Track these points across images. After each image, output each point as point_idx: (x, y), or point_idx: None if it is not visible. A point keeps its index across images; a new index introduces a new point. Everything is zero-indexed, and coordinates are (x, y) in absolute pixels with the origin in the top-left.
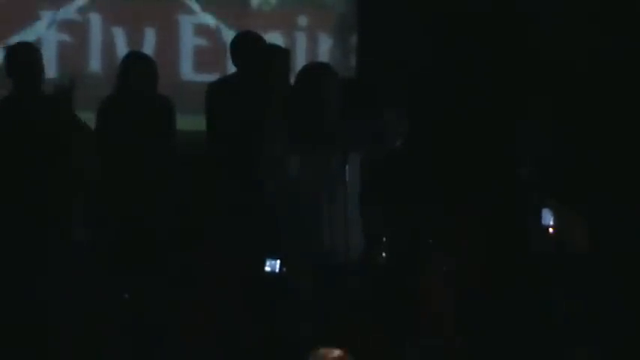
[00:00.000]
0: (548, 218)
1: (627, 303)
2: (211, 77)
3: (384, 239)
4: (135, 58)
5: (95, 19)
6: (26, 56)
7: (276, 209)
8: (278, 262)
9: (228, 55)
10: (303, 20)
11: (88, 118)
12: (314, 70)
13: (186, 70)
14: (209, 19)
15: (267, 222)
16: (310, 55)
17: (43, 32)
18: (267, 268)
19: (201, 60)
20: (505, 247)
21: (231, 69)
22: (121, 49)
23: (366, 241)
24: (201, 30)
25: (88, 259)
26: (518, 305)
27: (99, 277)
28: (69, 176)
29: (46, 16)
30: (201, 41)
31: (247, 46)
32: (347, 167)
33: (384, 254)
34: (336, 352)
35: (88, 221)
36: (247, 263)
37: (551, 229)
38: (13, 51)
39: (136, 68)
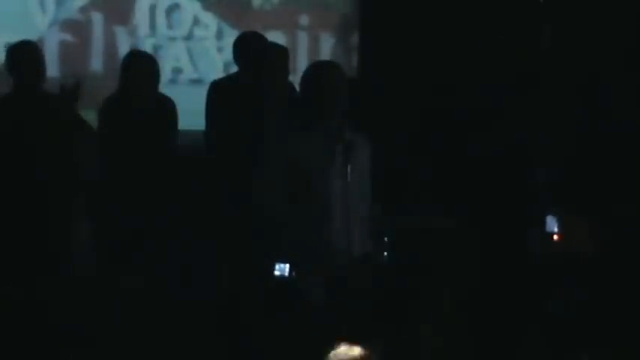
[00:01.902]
0: (553, 223)
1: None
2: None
3: (386, 239)
4: (136, 57)
5: (97, 18)
6: (27, 55)
7: (277, 208)
8: (287, 266)
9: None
10: (304, 19)
11: (90, 117)
12: (320, 68)
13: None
14: (210, 19)
15: (269, 222)
16: (312, 55)
17: (45, 31)
18: (277, 273)
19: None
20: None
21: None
22: (123, 48)
23: (368, 240)
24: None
25: (88, 257)
26: (521, 307)
27: (99, 275)
28: (70, 175)
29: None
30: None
31: (249, 45)
32: (349, 166)
33: (385, 254)
34: (357, 350)
35: (89, 220)
36: (250, 265)
37: (555, 235)
38: (14, 49)
39: (138, 67)
